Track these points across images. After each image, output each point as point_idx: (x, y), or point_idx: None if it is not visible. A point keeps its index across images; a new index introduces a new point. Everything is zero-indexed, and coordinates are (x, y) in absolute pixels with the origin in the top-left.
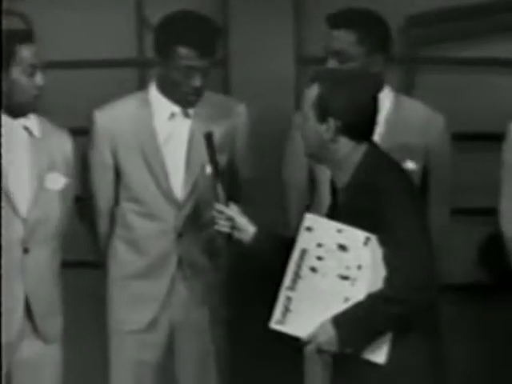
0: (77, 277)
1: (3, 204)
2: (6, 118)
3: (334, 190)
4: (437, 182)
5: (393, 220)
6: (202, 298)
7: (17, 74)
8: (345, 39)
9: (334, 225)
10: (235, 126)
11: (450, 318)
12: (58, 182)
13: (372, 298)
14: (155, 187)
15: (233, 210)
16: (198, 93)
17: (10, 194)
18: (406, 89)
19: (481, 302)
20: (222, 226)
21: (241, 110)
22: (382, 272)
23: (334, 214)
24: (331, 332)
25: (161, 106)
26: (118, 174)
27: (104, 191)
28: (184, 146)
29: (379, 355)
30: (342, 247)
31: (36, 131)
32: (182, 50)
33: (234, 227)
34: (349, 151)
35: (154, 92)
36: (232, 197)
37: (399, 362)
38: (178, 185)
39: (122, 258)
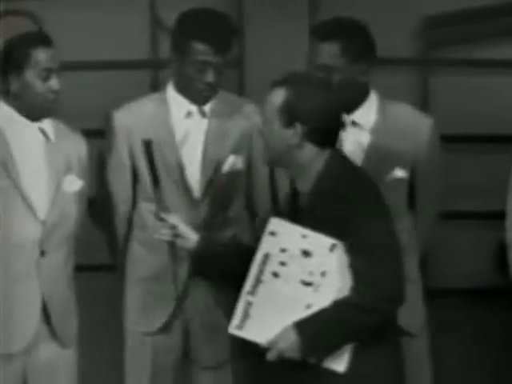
0: (92, 280)
1: (21, 207)
2: (22, 120)
3: (293, 195)
4: (424, 188)
5: (359, 227)
6: (217, 299)
7: (31, 77)
8: (327, 52)
9: (299, 230)
10: (252, 126)
11: (453, 322)
12: (74, 184)
13: (338, 306)
14: (172, 186)
15: (175, 218)
16: (211, 88)
17: (28, 196)
18: (420, 91)
19: (485, 305)
20: (164, 235)
21: (257, 110)
22: (348, 279)
23: (295, 218)
24: (293, 338)
25: (178, 104)
26: (135, 174)
27: (122, 192)
28: (200, 144)
29: (339, 364)
30: (306, 253)
31: (51, 134)
32: (197, 46)
33: (176, 235)
34: (312, 156)
35: (171, 91)
36: (249, 199)
37: (361, 371)
38: (195, 183)
39: (139, 259)
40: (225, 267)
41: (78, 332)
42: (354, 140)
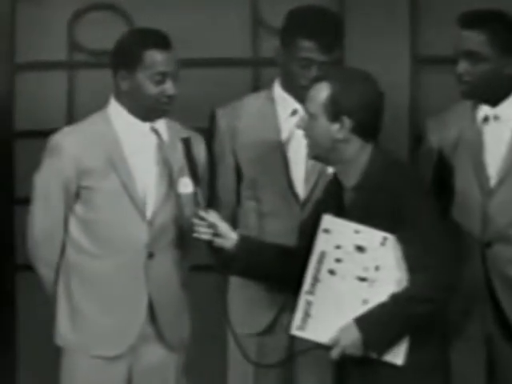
0: (195, 280)
1: (129, 207)
2: (134, 120)
3: (337, 191)
4: None
5: (408, 221)
6: None
7: (142, 78)
8: (476, 39)
9: (352, 226)
10: None
11: None
12: (188, 186)
13: (396, 298)
14: (276, 184)
15: (214, 217)
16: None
17: (136, 196)
18: None
19: None
20: (203, 233)
21: None
22: (404, 271)
23: (341, 214)
24: (355, 335)
25: (283, 102)
26: (239, 173)
27: (226, 191)
28: (305, 144)
29: (398, 356)
30: (360, 248)
31: (165, 134)
32: (303, 43)
33: (216, 234)
34: (357, 151)
35: (277, 89)
36: None
37: (414, 364)
38: (300, 182)
39: None
40: (264, 266)
41: (191, 335)
42: (496, 134)
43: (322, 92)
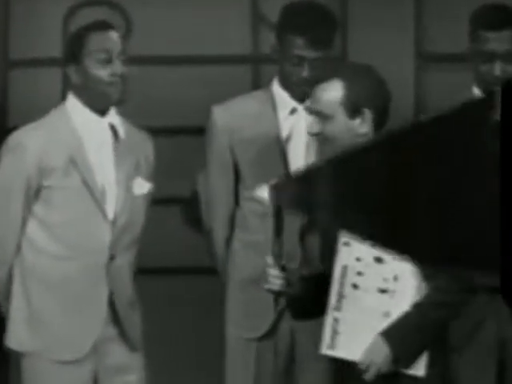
0: (192, 283)
1: (91, 207)
2: (93, 116)
3: None
4: None
5: None
6: None
7: (89, 62)
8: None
9: None
10: None
11: None
12: (143, 186)
13: (419, 307)
14: None
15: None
16: (306, 84)
17: (98, 196)
18: None
19: None
20: (276, 285)
21: None
22: (421, 278)
23: None
24: (386, 351)
25: (283, 101)
26: (237, 172)
27: (223, 191)
28: (304, 143)
29: (419, 368)
30: (378, 259)
31: (121, 132)
32: (294, 39)
33: (288, 284)
34: None
35: (276, 87)
36: None
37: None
38: None
39: (241, 261)
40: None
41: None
42: None
43: (336, 90)
